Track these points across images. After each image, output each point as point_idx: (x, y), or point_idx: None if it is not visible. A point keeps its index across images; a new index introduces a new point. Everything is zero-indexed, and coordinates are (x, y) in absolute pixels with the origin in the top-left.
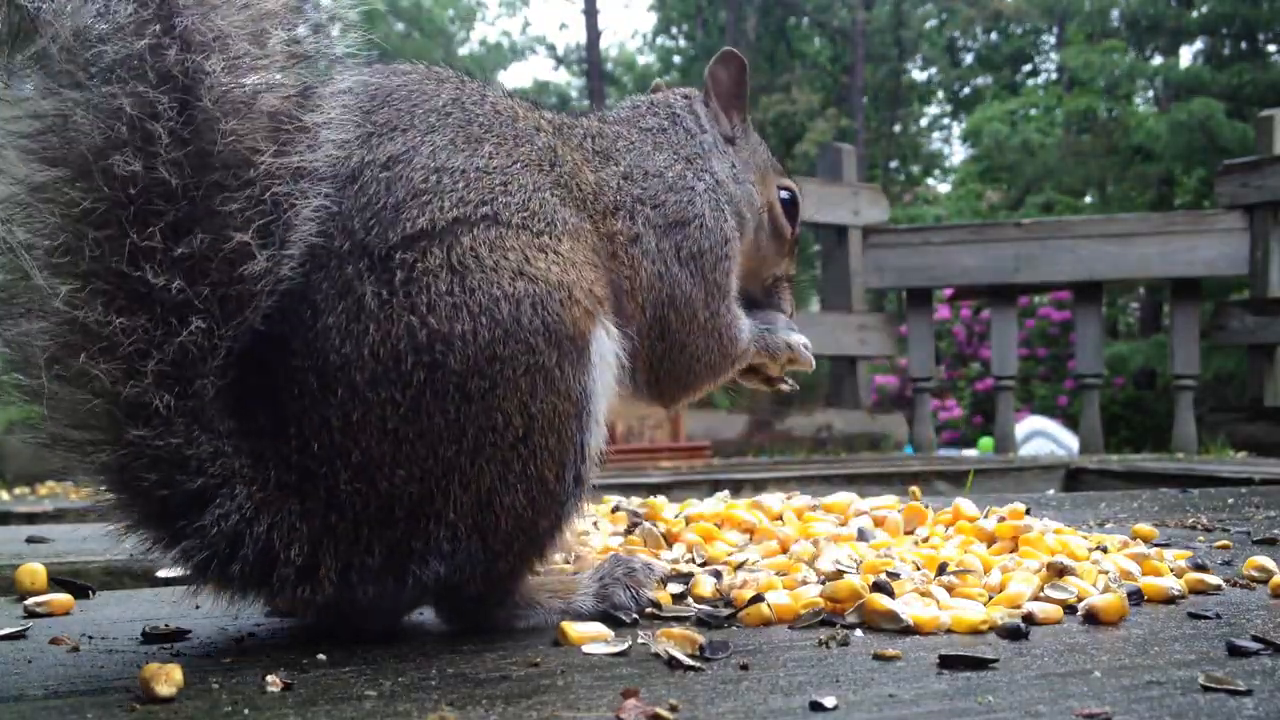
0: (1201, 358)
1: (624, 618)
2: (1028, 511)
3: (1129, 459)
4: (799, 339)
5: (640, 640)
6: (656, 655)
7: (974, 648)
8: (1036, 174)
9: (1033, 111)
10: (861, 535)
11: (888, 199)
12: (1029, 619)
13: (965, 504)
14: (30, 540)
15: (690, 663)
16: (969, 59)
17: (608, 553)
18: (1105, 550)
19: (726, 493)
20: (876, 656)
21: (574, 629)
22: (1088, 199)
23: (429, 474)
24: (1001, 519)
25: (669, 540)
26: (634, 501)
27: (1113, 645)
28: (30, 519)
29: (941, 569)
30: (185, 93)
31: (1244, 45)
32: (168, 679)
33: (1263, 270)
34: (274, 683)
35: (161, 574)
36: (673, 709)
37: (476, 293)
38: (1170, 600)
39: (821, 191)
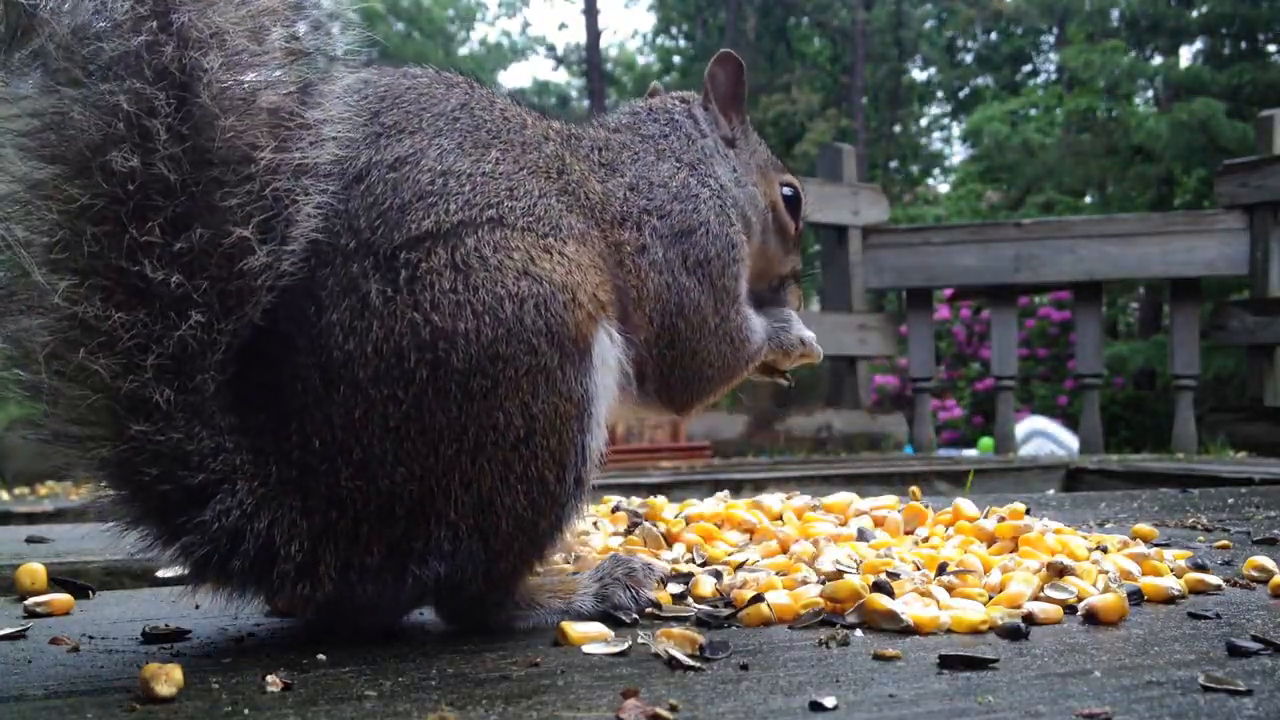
0: (1201, 358)
1: (624, 618)
2: (1028, 511)
3: (1129, 459)
4: (810, 334)
5: (640, 640)
6: (656, 655)
7: (974, 648)
8: (1036, 174)
9: (1033, 111)
10: (861, 535)
11: (888, 199)
12: (1029, 619)
13: (965, 504)
14: (30, 540)
15: (690, 663)
16: (969, 59)
17: (608, 553)
18: (1105, 550)
19: (726, 493)
20: (876, 656)
21: (574, 629)
22: (1088, 199)
23: (430, 472)
24: (1001, 519)
25: (669, 540)
26: (634, 501)
27: (1113, 645)
28: (30, 519)
29: (941, 569)
30: (183, 89)
31: (1244, 45)
32: (168, 679)
33: (1263, 270)
34: (274, 683)
35: (161, 574)
36: (673, 709)
37: (480, 291)
38: (1170, 600)
39: (821, 191)
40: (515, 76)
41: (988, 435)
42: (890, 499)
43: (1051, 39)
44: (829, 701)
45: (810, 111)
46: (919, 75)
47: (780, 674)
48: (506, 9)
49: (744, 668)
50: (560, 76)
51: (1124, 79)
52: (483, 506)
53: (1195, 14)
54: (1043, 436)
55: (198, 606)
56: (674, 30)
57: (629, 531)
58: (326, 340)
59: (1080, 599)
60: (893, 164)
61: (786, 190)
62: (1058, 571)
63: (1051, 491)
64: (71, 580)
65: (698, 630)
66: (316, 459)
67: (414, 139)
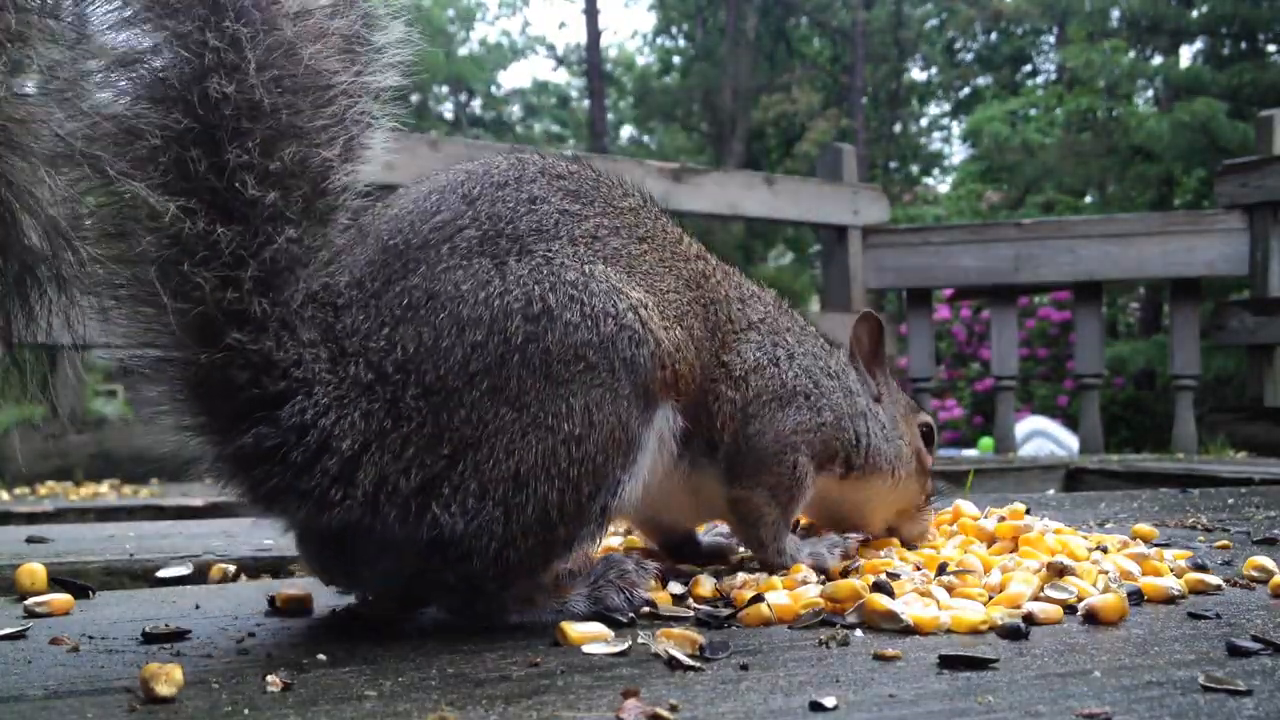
0: (1201, 358)
1: (619, 618)
2: (1028, 511)
3: (1129, 459)
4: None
5: (640, 640)
6: (656, 655)
7: (974, 648)
8: (1036, 174)
9: (1033, 111)
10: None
11: (888, 199)
12: (1029, 619)
13: (966, 505)
14: (30, 540)
15: (690, 663)
16: (969, 59)
17: (606, 552)
18: (1105, 550)
19: None
20: (876, 656)
21: (574, 629)
22: (1088, 199)
23: (484, 424)
24: (1002, 519)
25: None
26: None
27: (1113, 645)
28: (30, 519)
29: (941, 569)
30: (267, 25)
31: (1244, 45)
32: (168, 679)
33: (1263, 270)
34: (274, 683)
35: (161, 574)
36: (673, 709)
37: (596, 298)
38: (1170, 600)
39: (821, 191)
40: (515, 76)
41: (988, 435)
42: None
43: (1051, 39)
44: (829, 701)
45: (810, 111)
46: (919, 75)
47: (780, 674)
48: (506, 9)
49: (744, 668)
50: (560, 76)
51: (1124, 79)
52: (517, 482)
53: (1195, 14)
54: (1043, 436)
55: (198, 607)
56: (674, 30)
57: (629, 531)
58: (447, 274)
59: (1080, 599)
60: (893, 164)
61: (923, 428)
62: (1058, 571)
63: (1051, 491)
64: (71, 580)
65: (698, 630)
66: (393, 368)
67: (591, 206)
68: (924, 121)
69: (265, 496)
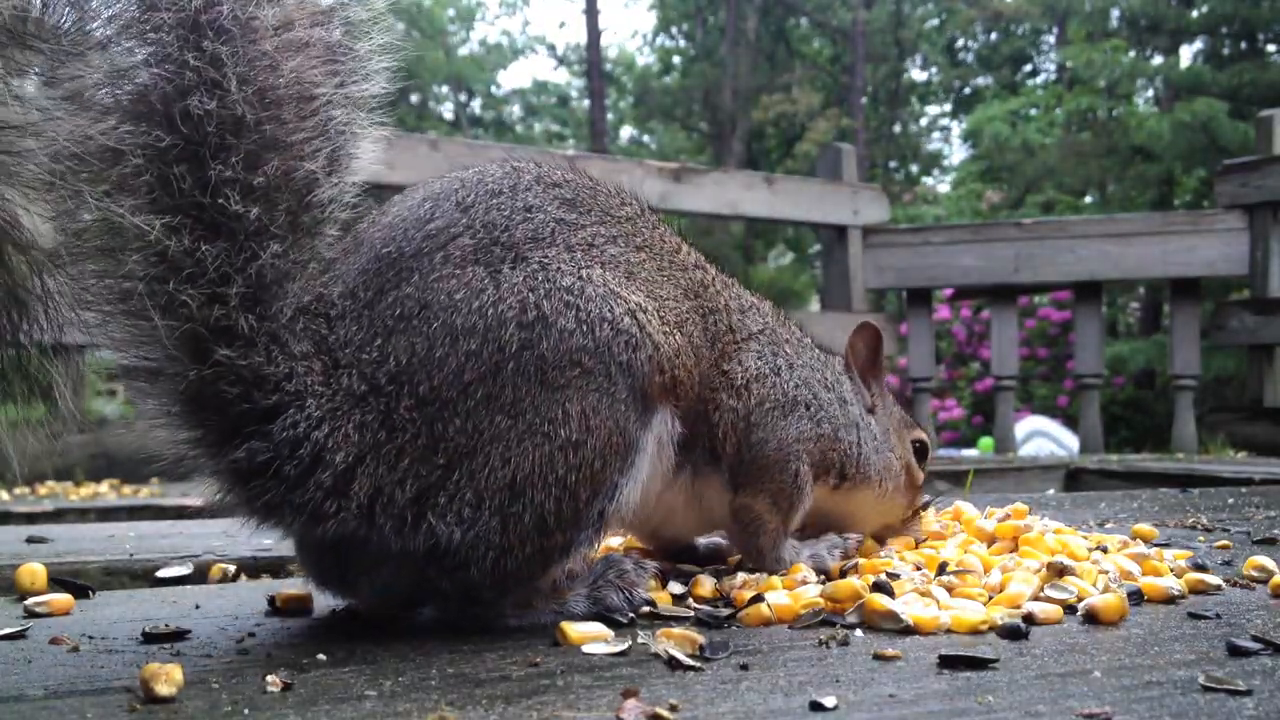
0: (1201, 358)
1: (619, 618)
2: (1029, 511)
3: (1129, 459)
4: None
5: (640, 640)
6: (656, 655)
7: (974, 648)
8: (1036, 174)
9: (1033, 111)
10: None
11: (888, 199)
12: (1029, 619)
13: (966, 506)
14: (30, 540)
15: (690, 663)
16: (969, 59)
17: (606, 553)
18: (1105, 550)
19: None
20: (876, 656)
21: (574, 629)
22: (1088, 199)
23: (479, 433)
24: (1006, 517)
25: None
26: None
27: (1113, 645)
28: (30, 519)
29: (941, 569)
30: (247, 40)
31: (1244, 45)
32: (168, 679)
33: (1263, 270)
34: (274, 683)
35: (161, 574)
36: (673, 709)
37: (591, 304)
38: (1170, 600)
39: (821, 191)
40: (515, 76)
41: (988, 435)
42: None
43: (1051, 39)
44: (829, 701)
45: (810, 111)
46: (919, 75)
47: (780, 674)
48: (506, 9)
49: (744, 668)
50: (560, 76)
51: (1124, 79)
52: (514, 490)
53: (1195, 14)
54: (1043, 436)
55: (197, 606)
56: (674, 30)
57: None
58: (440, 283)
59: (1080, 599)
60: (893, 164)
61: (916, 444)
62: (1058, 571)
63: (1051, 491)
64: (71, 580)
65: (698, 630)
66: (386, 379)
67: (586, 216)
68: (924, 121)
69: (261, 508)
